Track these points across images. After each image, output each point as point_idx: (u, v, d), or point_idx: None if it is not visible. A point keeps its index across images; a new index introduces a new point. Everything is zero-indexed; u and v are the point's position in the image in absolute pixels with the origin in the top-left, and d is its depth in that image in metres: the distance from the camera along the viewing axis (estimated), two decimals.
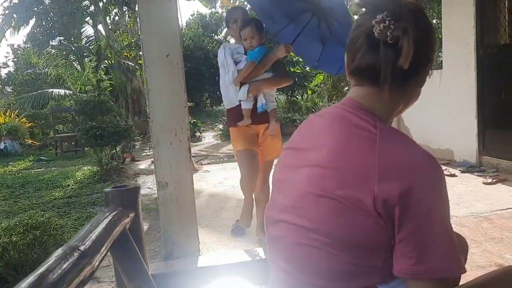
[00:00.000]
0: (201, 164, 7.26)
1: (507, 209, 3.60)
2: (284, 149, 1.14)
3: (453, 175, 4.85)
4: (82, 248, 0.85)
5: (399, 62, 0.91)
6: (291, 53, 3.02)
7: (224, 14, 14.69)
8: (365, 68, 0.97)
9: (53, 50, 13.83)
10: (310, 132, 1.08)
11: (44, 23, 12.13)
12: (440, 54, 6.13)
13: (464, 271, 0.89)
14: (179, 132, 3.04)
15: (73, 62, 13.96)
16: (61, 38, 13.07)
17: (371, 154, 0.90)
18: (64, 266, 0.74)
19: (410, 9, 0.94)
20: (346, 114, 1.00)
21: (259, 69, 2.92)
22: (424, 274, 0.87)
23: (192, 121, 10.30)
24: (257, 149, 3.00)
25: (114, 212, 1.20)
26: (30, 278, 0.67)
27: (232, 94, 2.95)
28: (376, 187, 0.87)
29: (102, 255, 0.92)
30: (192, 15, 18.91)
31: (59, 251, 0.80)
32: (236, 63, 2.95)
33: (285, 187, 1.06)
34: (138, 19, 3.38)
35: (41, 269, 0.70)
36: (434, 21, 7.48)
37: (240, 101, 2.95)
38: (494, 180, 4.43)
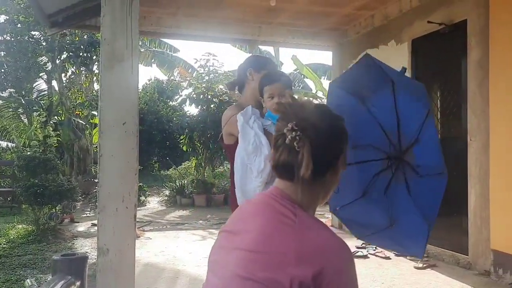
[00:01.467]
0: (143, 230, 7.11)
1: None
2: (220, 232, 1.25)
3: (388, 258, 5.07)
4: None
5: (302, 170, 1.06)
6: None
7: (183, 82, 15.07)
8: (282, 165, 1.11)
9: (0, 101, 13.51)
10: (242, 216, 1.20)
11: None
12: None
13: None
14: (127, 199, 3.09)
15: (21, 115, 13.64)
16: (12, 90, 12.83)
17: (290, 240, 1.03)
18: None
19: (312, 122, 1.10)
20: (272, 201, 1.13)
21: None
22: None
23: (138, 185, 10.18)
24: None
25: (62, 281, 1.23)
26: None
27: (255, 185, 2.04)
28: (293, 270, 0.98)
29: None
30: (149, 80, 19.29)
31: None
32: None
33: (218, 268, 1.15)
34: (99, 86, 3.51)
35: None
36: None
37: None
38: (424, 265, 4.68)
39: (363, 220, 2.00)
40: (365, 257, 5.18)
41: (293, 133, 1.06)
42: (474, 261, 4.56)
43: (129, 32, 3.16)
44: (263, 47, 14.49)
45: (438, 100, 5.47)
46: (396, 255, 5.19)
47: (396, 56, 5.84)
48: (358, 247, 5.44)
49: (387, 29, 6.05)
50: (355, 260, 1.08)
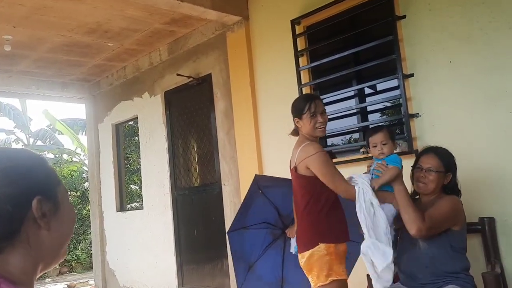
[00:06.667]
0: None
1: None
2: None
3: None
4: None
5: None
6: None
7: None
8: None
9: None
10: None
11: None
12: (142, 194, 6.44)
13: None
14: None
15: None
16: None
17: None
18: None
19: None
20: None
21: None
22: None
23: None
24: None
25: None
26: None
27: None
28: None
29: None
30: None
31: None
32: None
33: None
34: None
35: None
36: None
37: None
38: None
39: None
40: None
41: None
42: None
43: None
44: (5, 100, 12.83)
45: (194, 149, 5.68)
46: None
47: (151, 108, 5.88)
48: None
49: (140, 81, 6.06)
50: None
